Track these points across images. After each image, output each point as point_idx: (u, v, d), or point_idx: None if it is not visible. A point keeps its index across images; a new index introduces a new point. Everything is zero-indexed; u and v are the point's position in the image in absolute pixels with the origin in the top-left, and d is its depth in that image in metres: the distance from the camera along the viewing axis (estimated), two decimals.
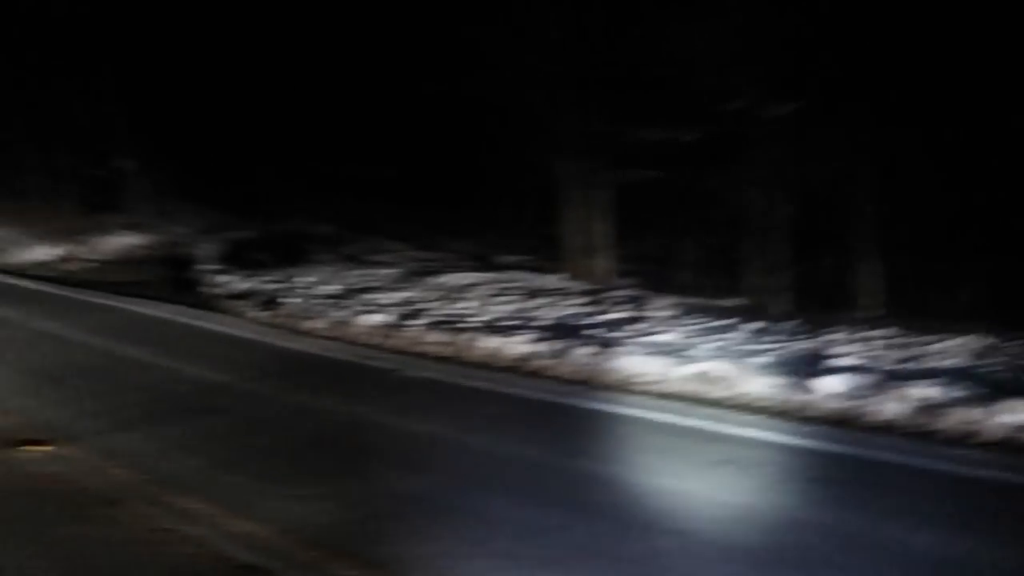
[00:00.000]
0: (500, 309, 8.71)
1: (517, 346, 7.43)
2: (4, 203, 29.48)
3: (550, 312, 8.34)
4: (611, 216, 10.41)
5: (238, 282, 11.43)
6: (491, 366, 7.13)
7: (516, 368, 7.01)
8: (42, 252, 17.44)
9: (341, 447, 4.84)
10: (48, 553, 3.44)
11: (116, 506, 3.92)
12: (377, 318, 8.71)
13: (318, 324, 8.86)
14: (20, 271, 15.60)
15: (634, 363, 6.51)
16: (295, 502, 3.97)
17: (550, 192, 10.98)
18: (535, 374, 6.80)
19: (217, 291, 11.36)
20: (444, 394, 6.25)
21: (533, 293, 9.35)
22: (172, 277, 12.95)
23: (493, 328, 7.95)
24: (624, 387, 6.24)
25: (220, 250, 14.08)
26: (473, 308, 8.87)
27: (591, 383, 6.42)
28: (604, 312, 8.17)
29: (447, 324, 8.26)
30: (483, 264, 11.74)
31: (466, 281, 10.31)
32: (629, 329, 7.41)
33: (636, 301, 8.72)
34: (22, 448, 4.75)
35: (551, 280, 10.40)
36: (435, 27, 12.09)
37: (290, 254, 12.39)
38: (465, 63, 10.65)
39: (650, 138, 9.92)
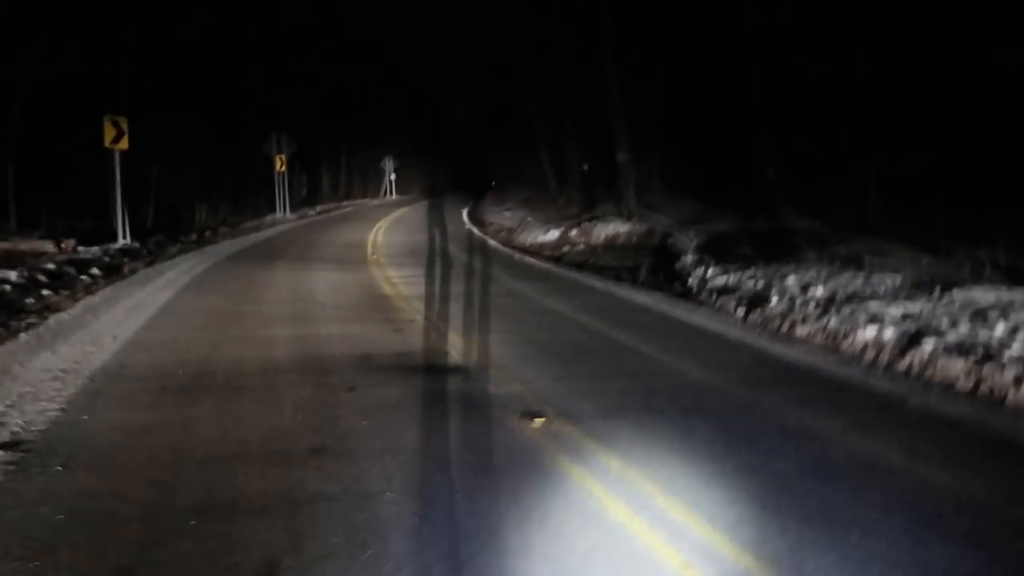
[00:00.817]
0: None
1: None
2: (519, 191, 34.56)
3: None
4: None
5: (718, 275, 11.15)
6: None
7: None
8: (546, 235, 19.72)
9: (847, 488, 4.04)
10: (540, 542, 3.40)
11: (607, 502, 3.77)
12: (879, 332, 7.55)
13: (808, 330, 8.04)
14: (529, 250, 17.82)
15: None
16: (784, 542, 3.36)
17: None
18: None
19: (696, 283, 11.26)
20: (975, 441, 4.96)
21: None
22: (653, 265, 13.32)
23: None
24: None
25: (701, 241, 14.04)
26: (1008, 333, 7.12)
27: None
28: None
29: (971, 350, 6.73)
30: (1020, 278, 9.46)
31: (994, 297, 8.36)
32: None
33: None
34: (526, 420, 4.99)
35: None
36: None
37: (774, 250, 11.65)
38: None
39: None
